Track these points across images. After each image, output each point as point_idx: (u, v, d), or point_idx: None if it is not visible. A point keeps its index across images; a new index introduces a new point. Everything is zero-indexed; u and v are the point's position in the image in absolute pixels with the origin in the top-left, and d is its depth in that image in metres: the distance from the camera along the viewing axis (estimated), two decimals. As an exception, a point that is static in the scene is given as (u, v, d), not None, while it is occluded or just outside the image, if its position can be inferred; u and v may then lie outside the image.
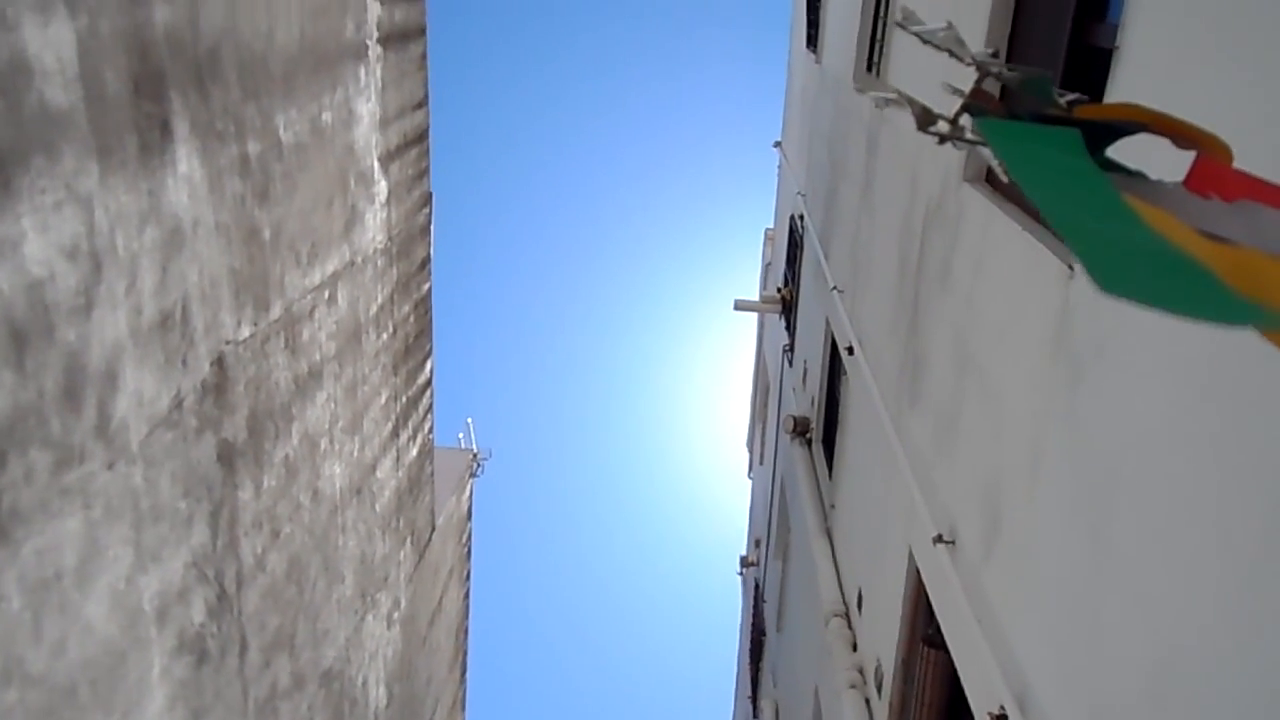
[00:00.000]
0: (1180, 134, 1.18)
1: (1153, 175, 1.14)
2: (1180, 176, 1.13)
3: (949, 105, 1.34)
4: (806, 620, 7.63)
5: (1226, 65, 2.05)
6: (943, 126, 1.31)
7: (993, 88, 1.32)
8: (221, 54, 3.73)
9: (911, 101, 1.32)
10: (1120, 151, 1.24)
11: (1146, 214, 0.97)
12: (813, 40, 10.05)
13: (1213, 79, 2.10)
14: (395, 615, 7.78)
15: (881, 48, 6.33)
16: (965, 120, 1.31)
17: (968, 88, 1.29)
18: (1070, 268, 2.71)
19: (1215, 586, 1.95)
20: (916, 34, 1.34)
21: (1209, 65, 2.13)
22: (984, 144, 1.24)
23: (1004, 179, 1.28)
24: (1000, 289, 3.37)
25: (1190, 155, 1.16)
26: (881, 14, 6.48)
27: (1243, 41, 2.00)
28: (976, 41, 3.76)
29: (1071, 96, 1.25)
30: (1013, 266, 3.24)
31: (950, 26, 1.32)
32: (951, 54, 1.29)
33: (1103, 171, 1.10)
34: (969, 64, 1.28)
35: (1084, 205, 1.02)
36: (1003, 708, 2.89)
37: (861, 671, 5.54)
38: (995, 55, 1.27)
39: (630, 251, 51.61)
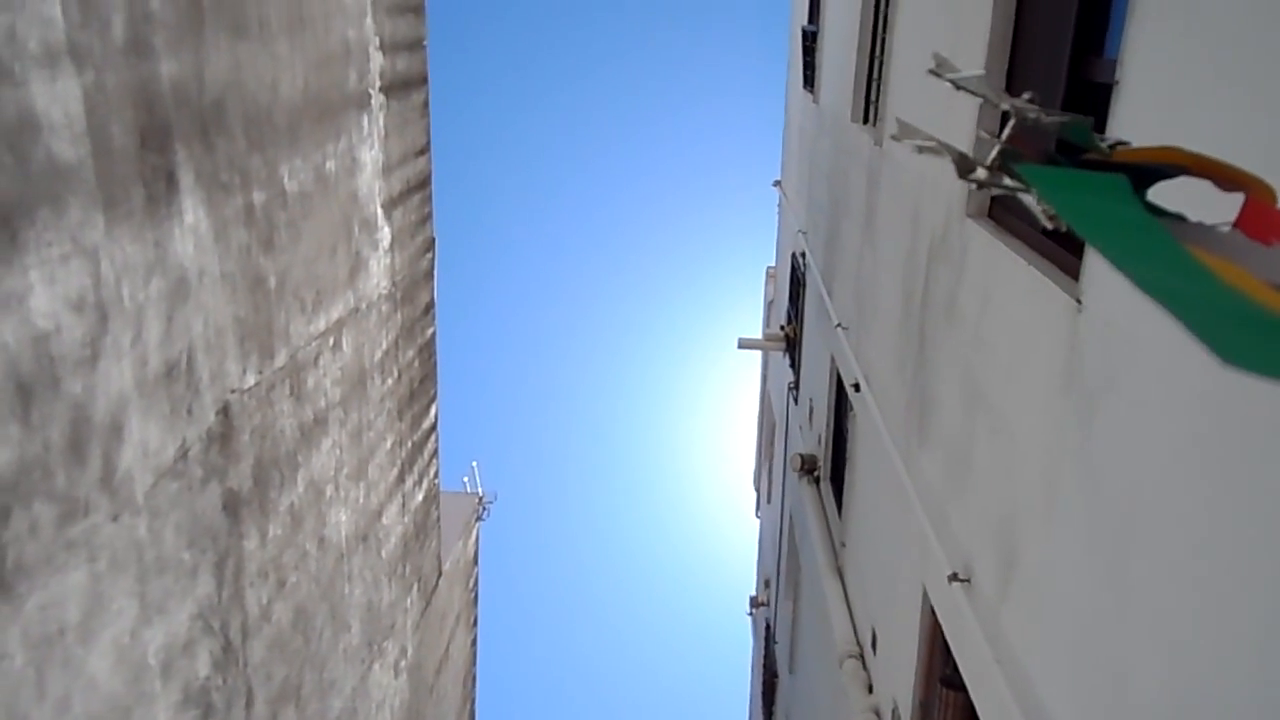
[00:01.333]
0: (1222, 176, 1.16)
1: (1192, 216, 1.12)
2: (1220, 216, 1.11)
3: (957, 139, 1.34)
4: (820, 661, 7.52)
5: (1227, 96, 2.06)
6: (981, 173, 1.30)
7: (1019, 127, 1.31)
8: (227, 105, 3.77)
9: (949, 149, 1.31)
10: (1161, 194, 1.22)
11: (1217, 268, 0.95)
12: (809, 80, 10.15)
13: (1214, 110, 2.10)
14: (402, 664, 7.69)
15: (879, 87, 6.38)
16: (1000, 166, 1.30)
17: (1004, 133, 1.28)
18: (1078, 301, 2.70)
19: (1238, 623, 1.91)
20: (951, 80, 1.34)
21: (1210, 96, 2.13)
22: (1025, 190, 1.22)
23: (1047, 225, 1.26)
24: (1008, 323, 3.36)
25: (1236, 198, 1.13)
26: (877, 54, 6.55)
27: (1243, 71, 2.00)
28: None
29: (1112, 140, 1.24)
30: (1019, 300, 3.23)
31: (984, 73, 1.31)
32: (986, 100, 1.29)
33: (1157, 219, 1.08)
34: (1007, 109, 1.27)
35: (1153, 261, 1.01)
36: (1025, 750, 2.83)
37: (878, 713, 5.44)
38: (1033, 100, 1.26)
39: (633, 291, 51.79)
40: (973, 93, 1.30)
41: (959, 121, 3.85)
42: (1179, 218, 1.12)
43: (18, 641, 2.69)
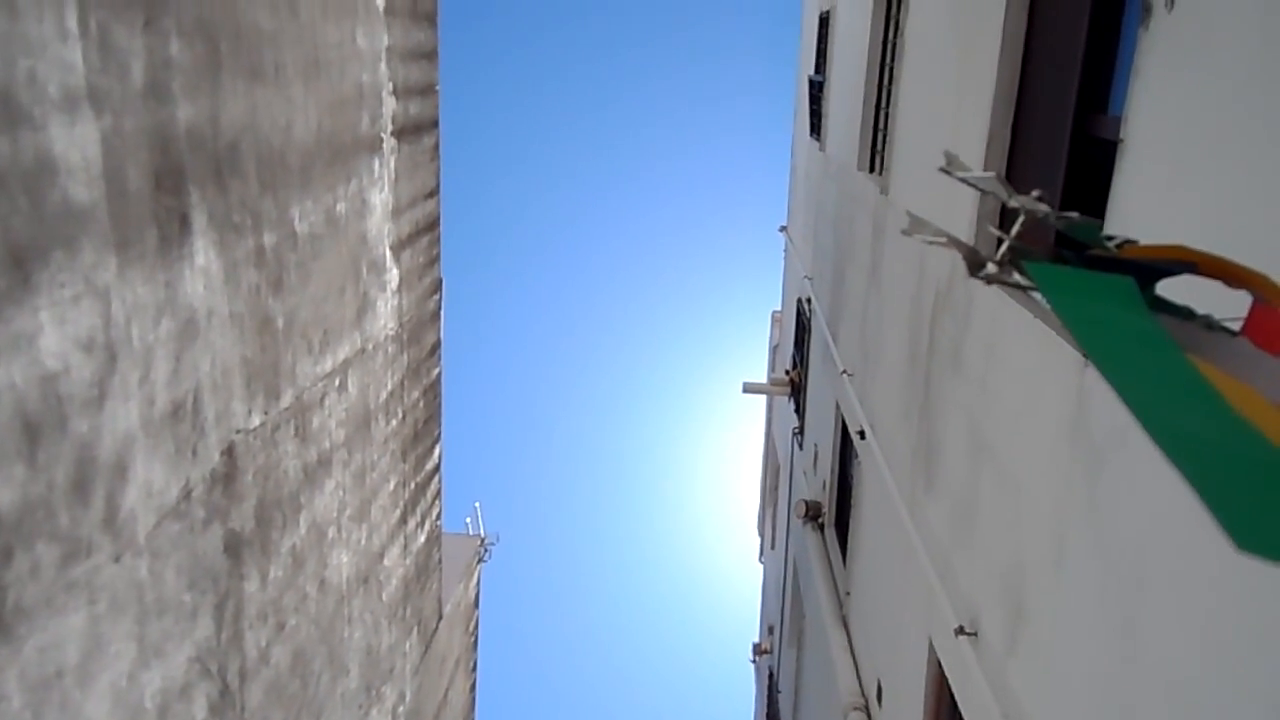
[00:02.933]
0: (1229, 275, 1.16)
1: (1199, 309, 1.12)
2: (1227, 311, 1.10)
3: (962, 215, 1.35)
4: (824, 712, 7.41)
5: (1231, 153, 2.08)
6: (991, 269, 1.31)
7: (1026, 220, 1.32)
8: (241, 148, 3.81)
9: (960, 245, 1.33)
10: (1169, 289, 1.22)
11: (1225, 388, 0.93)
12: (816, 128, 10.26)
13: (1218, 168, 2.12)
14: (400, 709, 7.59)
15: (885, 137, 6.44)
16: (1009, 261, 1.31)
17: (1013, 230, 1.29)
18: (1085, 357, 2.70)
19: (1249, 678, 1.88)
20: (962, 179, 1.36)
21: (1214, 153, 2.15)
22: (1033, 288, 1.22)
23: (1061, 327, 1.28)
24: (1014, 375, 3.35)
25: (1243, 296, 1.12)
26: (883, 105, 6.62)
27: (1247, 129, 2.02)
28: (979, 138, 3.83)
29: (1120, 239, 1.25)
30: (1026, 353, 3.23)
31: (994, 175, 1.33)
32: (996, 198, 1.31)
33: (1163, 328, 1.05)
34: (1016, 208, 1.29)
35: (1158, 378, 0.98)
36: (1034, 811, 2.78)
37: (882, 768, 5.35)
38: (1041, 199, 1.27)
39: (637, 335, 51.90)
40: (983, 191, 1.32)
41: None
42: (1187, 312, 1.12)
43: (15, 684, 2.66)
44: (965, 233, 3.87)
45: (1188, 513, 2.16)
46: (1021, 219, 1.27)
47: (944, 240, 1.34)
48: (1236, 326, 1.09)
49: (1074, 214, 1.27)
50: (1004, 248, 1.28)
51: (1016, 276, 1.28)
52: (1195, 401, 0.94)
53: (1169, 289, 1.20)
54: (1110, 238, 1.25)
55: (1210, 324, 1.10)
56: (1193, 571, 2.13)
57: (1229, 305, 1.13)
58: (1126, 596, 2.42)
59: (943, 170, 1.39)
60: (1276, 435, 0.90)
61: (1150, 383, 0.99)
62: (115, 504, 3.09)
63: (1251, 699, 1.88)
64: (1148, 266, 1.18)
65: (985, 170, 3.50)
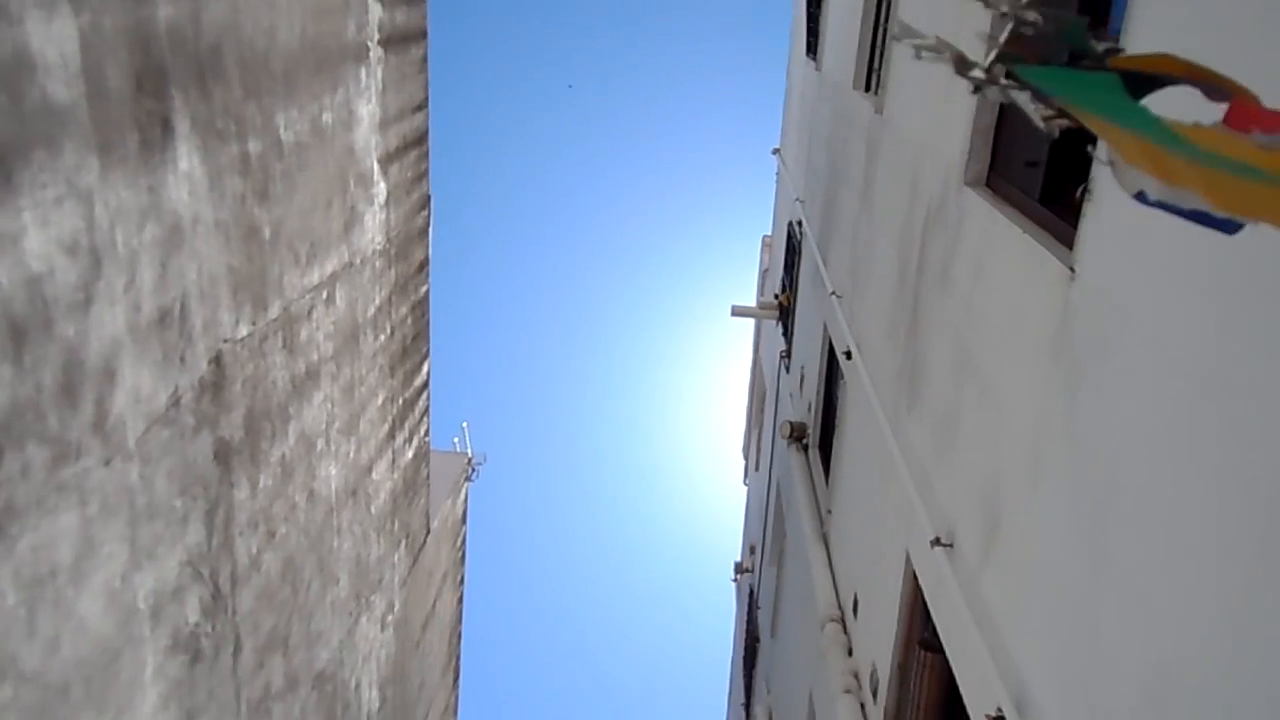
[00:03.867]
0: (1212, 83, 1.21)
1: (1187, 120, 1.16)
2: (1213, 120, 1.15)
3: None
4: (801, 626, 7.62)
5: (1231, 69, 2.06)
6: (978, 74, 1.32)
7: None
8: (223, 51, 3.73)
9: (949, 47, 1.33)
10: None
11: (1201, 138, 1.03)
12: (812, 48, 10.08)
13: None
14: (389, 618, 7.76)
15: (882, 54, 6.34)
16: (999, 69, 1.32)
17: (1002, 36, 1.30)
18: (1071, 269, 2.72)
19: (1215, 590, 1.94)
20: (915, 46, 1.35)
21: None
22: (1019, 89, 1.26)
23: (1040, 126, 1.30)
24: (1000, 291, 3.37)
25: (1221, 106, 1.18)
26: (882, 21, 6.50)
27: (1244, 59, 2.00)
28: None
29: (1106, 45, 1.27)
30: (1013, 269, 3.24)
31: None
32: (986, 4, 1.30)
33: (1147, 109, 1.15)
34: (1004, 13, 1.29)
35: (1143, 132, 1.10)
36: (1000, 709, 2.89)
37: (857, 676, 5.53)
38: (1030, 4, 1.28)
39: (628, 257, 51.66)
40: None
41: (962, 88, 3.84)
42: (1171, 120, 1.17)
43: (9, 581, 2.71)
44: (962, 143, 3.85)
45: (1162, 426, 2.21)
46: (1010, 25, 1.28)
47: (932, 44, 1.35)
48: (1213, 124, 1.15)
49: (1063, 13, 1.28)
50: (994, 53, 1.29)
51: (1004, 81, 1.30)
52: (1166, 139, 1.09)
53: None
54: (1098, 41, 1.27)
55: (1195, 123, 1.15)
56: (1163, 485, 2.18)
57: (1210, 115, 1.17)
58: (1097, 508, 2.48)
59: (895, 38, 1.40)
60: (1239, 155, 1.03)
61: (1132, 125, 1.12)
62: (104, 408, 3.11)
63: (1215, 609, 1.94)
64: (1137, 76, 1.22)
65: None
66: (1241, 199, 1.04)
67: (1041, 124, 1.28)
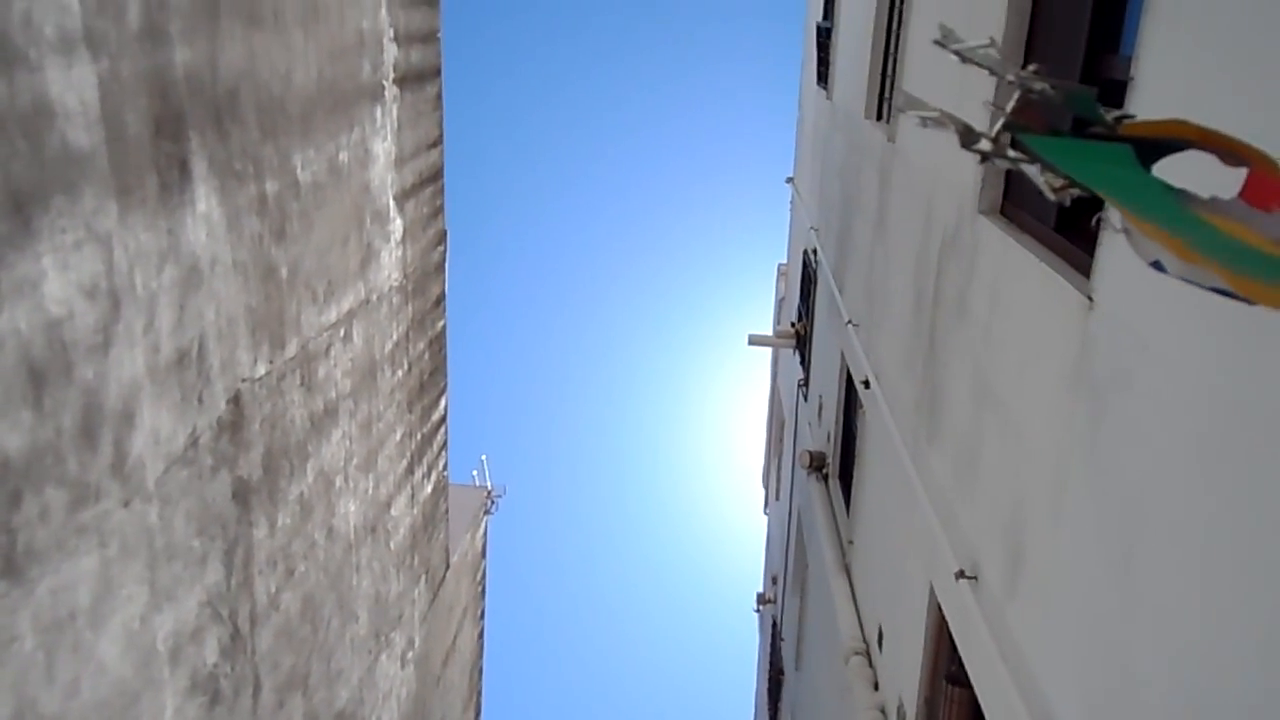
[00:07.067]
0: (1227, 149, 1.17)
1: (1203, 194, 1.13)
2: (1230, 193, 1.12)
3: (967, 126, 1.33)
4: (826, 658, 7.52)
5: (1243, 94, 2.04)
6: (985, 145, 1.30)
7: (1029, 100, 1.31)
8: (240, 95, 3.78)
9: (954, 120, 1.31)
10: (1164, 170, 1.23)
11: (1219, 223, 0.99)
12: (823, 76, 10.12)
13: (1229, 109, 2.09)
14: (409, 655, 7.72)
15: (893, 83, 6.36)
16: (1005, 138, 1.30)
17: (1010, 105, 1.28)
18: (1089, 298, 2.69)
19: (1246, 621, 1.90)
20: (957, 52, 1.33)
21: (1225, 95, 2.12)
22: (1028, 162, 1.23)
23: (1051, 197, 1.27)
24: (1018, 321, 3.34)
25: (1239, 172, 1.15)
26: (892, 50, 6.52)
27: (1258, 71, 1.99)
28: (988, 81, 3.77)
29: (1118, 113, 1.24)
30: (1030, 298, 3.21)
31: (992, 43, 1.31)
32: (992, 72, 1.28)
33: (1163, 181, 1.11)
34: (1011, 82, 1.27)
35: (1157, 215, 1.07)
36: (1030, 747, 2.83)
37: (883, 710, 5.44)
38: (1038, 72, 1.26)
39: (644, 287, 51.78)
40: (979, 64, 1.30)
41: (973, 116, 3.83)
42: (1188, 193, 1.13)
43: (28, 625, 2.71)
44: (974, 172, 3.84)
45: (1186, 457, 2.17)
46: (1018, 95, 1.26)
47: (937, 115, 1.33)
48: (1231, 199, 1.12)
49: (1071, 83, 1.26)
50: (1000, 123, 1.27)
51: (1011, 152, 1.27)
52: (1189, 226, 1.06)
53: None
54: (1108, 110, 1.24)
55: (1211, 198, 1.12)
56: (1190, 514, 2.14)
57: (1226, 187, 1.14)
58: (1124, 540, 2.43)
59: (937, 43, 1.37)
60: (1264, 247, 1.00)
61: (1145, 209, 1.09)
62: (123, 450, 3.12)
63: (1242, 642, 1.90)
64: (1147, 143, 1.19)
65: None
66: (1263, 292, 1.01)
67: (1052, 195, 1.26)
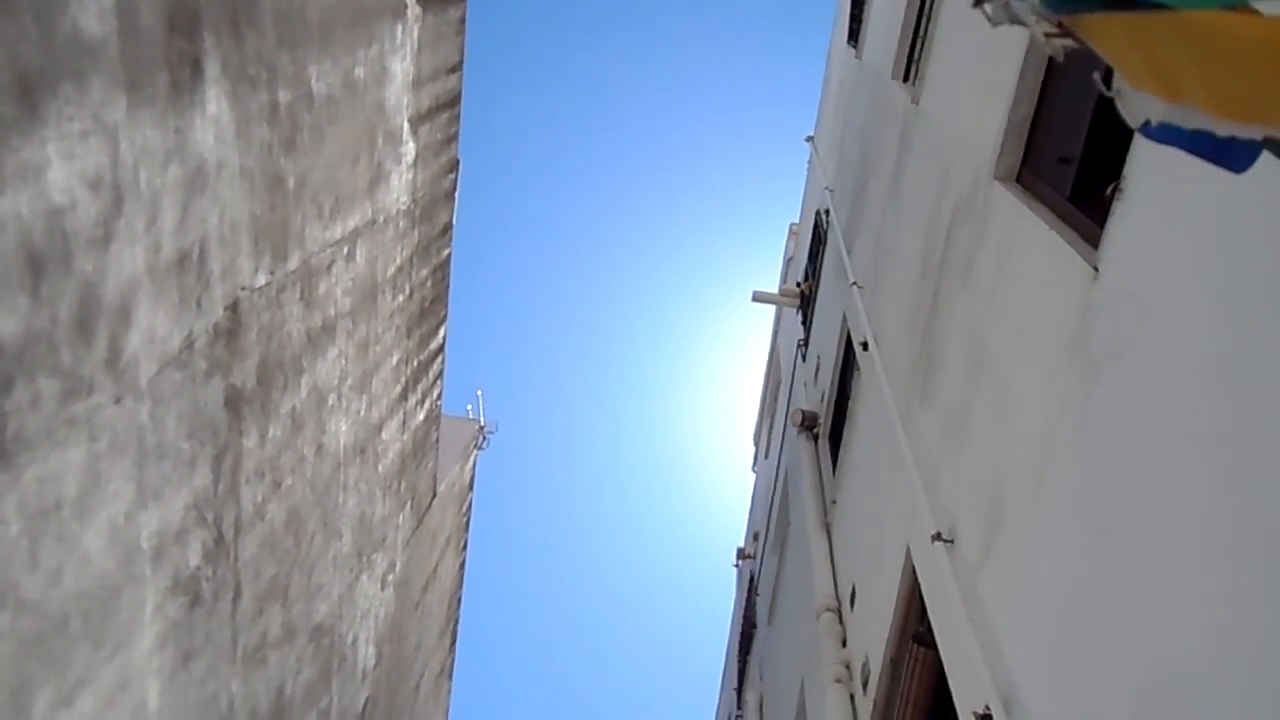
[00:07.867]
0: None
1: None
2: None
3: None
4: (798, 614, 7.62)
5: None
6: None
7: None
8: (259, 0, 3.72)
9: None
10: None
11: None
12: (854, 34, 9.96)
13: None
14: (390, 577, 7.82)
15: (924, 44, 6.26)
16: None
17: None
18: (1095, 268, 2.68)
19: (1220, 596, 1.92)
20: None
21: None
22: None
23: (1041, 41, 1.24)
24: (1022, 288, 3.33)
25: None
26: (927, 9, 6.41)
27: None
28: (1019, 48, 3.71)
29: None
30: (1036, 266, 3.20)
31: None
32: None
33: None
34: None
35: None
36: (988, 707, 2.88)
37: (848, 667, 5.53)
38: None
39: (654, 237, 51.56)
40: None
41: (1000, 80, 3.79)
42: None
43: (14, 510, 2.73)
44: (995, 136, 3.80)
45: (1173, 429, 2.18)
46: None
47: None
48: None
49: None
50: None
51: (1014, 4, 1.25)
52: None
53: None
54: None
55: None
56: (1170, 488, 2.15)
57: None
58: (1102, 511, 2.45)
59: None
60: None
61: None
62: (117, 346, 3.12)
63: (1215, 617, 1.92)
64: None
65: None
66: (1244, 103, 0.98)
67: (1043, 39, 1.23)
